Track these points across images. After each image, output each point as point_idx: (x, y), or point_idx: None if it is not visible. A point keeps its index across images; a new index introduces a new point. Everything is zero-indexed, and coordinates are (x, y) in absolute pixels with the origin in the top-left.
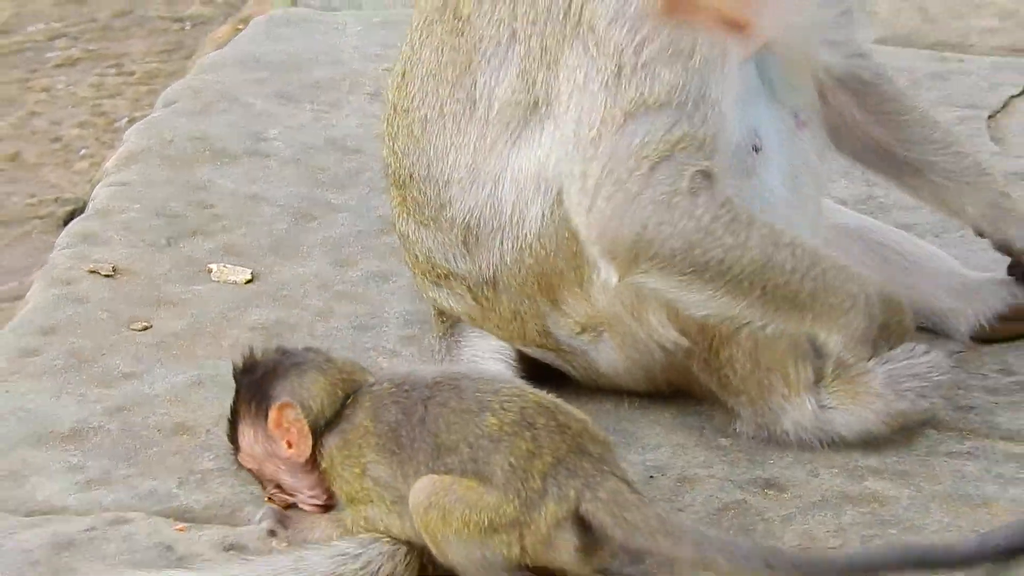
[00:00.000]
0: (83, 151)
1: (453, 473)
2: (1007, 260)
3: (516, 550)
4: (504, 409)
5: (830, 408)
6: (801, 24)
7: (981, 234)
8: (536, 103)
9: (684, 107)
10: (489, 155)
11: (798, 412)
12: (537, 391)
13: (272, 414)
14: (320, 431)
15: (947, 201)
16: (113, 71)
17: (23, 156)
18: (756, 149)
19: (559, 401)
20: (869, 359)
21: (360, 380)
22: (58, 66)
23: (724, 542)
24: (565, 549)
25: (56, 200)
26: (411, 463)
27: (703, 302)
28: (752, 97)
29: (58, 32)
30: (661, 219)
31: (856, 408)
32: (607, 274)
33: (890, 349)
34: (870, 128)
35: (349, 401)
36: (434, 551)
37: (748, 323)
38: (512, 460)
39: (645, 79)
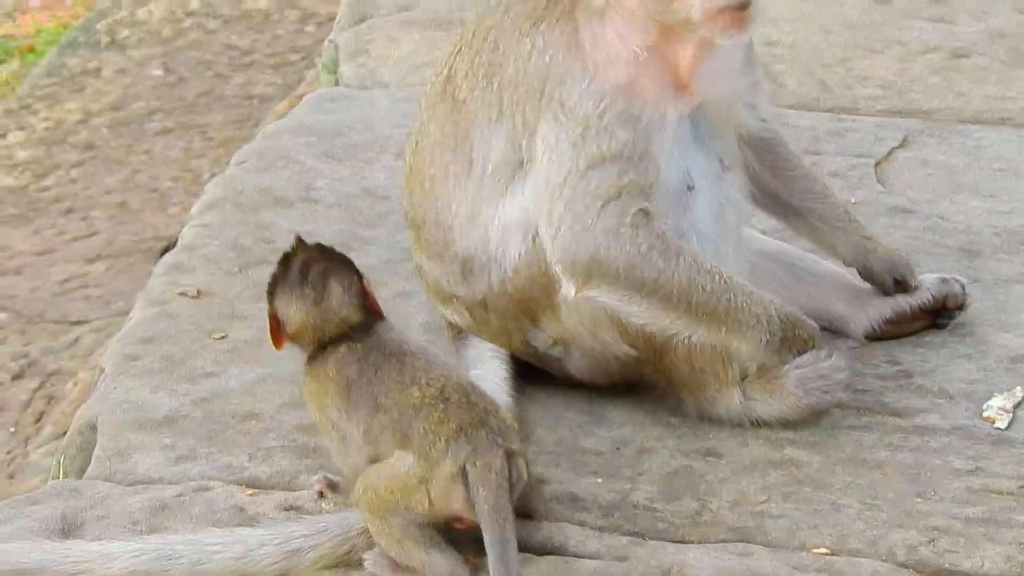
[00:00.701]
0: (175, 200)
1: (384, 429)
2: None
3: (426, 503)
4: (428, 385)
5: (753, 400)
6: (725, 90)
7: (849, 266)
8: (521, 163)
9: (632, 159)
10: (482, 206)
11: (728, 402)
12: (461, 375)
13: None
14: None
15: (822, 240)
16: (198, 138)
17: (129, 204)
18: (690, 188)
19: (476, 384)
20: (776, 364)
21: (348, 326)
22: (156, 134)
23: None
24: (456, 499)
25: (154, 238)
26: (355, 412)
27: (642, 313)
28: (687, 146)
29: (156, 108)
30: (609, 245)
31: (774, 401)
32: (567, 289)
33: (796, 356)
34: (766, 179)
35: (331, 344)
36: (371, 529)
37: (678, 332)
38: (425, 426)
39: (604, 137)
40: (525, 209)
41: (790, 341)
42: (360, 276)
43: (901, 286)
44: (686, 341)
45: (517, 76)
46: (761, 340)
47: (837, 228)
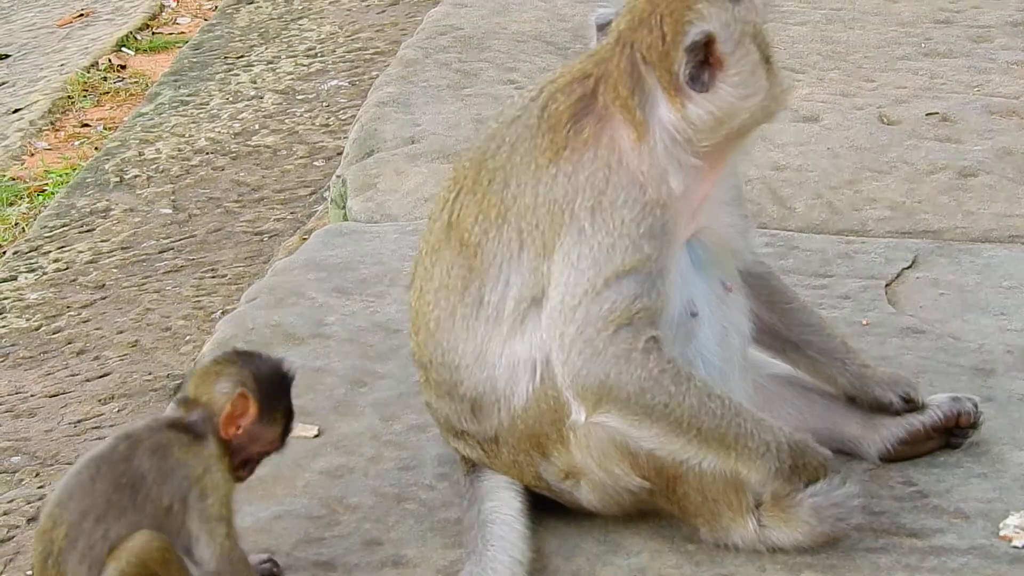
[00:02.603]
0: (187, 338)
1: None
2: None
3: None
4: None
5: (768, 528)
6: (725, 218)
7: (852, 398)
8: (537, 296)
9: (649, 279)
10: (490, 344)
11: (743, 531)
12: None
13: None
14: None
15: (821, 372)
16: (209, 275)
17: (141, 343)
18: (694, 315)
19: None
20: (789, 492)
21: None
22: (167, 272)
23: None
24: None
25: (167, 376)
26: None
27: (651, 438)
28: (689, 272)
29: (166, 247)
30: (620, 370)
31: (789, 529)
32: (577, 415)
33: (807, 483)
34: (761, 313)
35: None
36: None
37: (688, 459)
38: None
39: (631, 250)
40: (535, 344)
41: (800, 469)
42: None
43: (909, 404)
44: (697, 469)
45: (536, 200)
46: (771, 468)
47: (835, 359)
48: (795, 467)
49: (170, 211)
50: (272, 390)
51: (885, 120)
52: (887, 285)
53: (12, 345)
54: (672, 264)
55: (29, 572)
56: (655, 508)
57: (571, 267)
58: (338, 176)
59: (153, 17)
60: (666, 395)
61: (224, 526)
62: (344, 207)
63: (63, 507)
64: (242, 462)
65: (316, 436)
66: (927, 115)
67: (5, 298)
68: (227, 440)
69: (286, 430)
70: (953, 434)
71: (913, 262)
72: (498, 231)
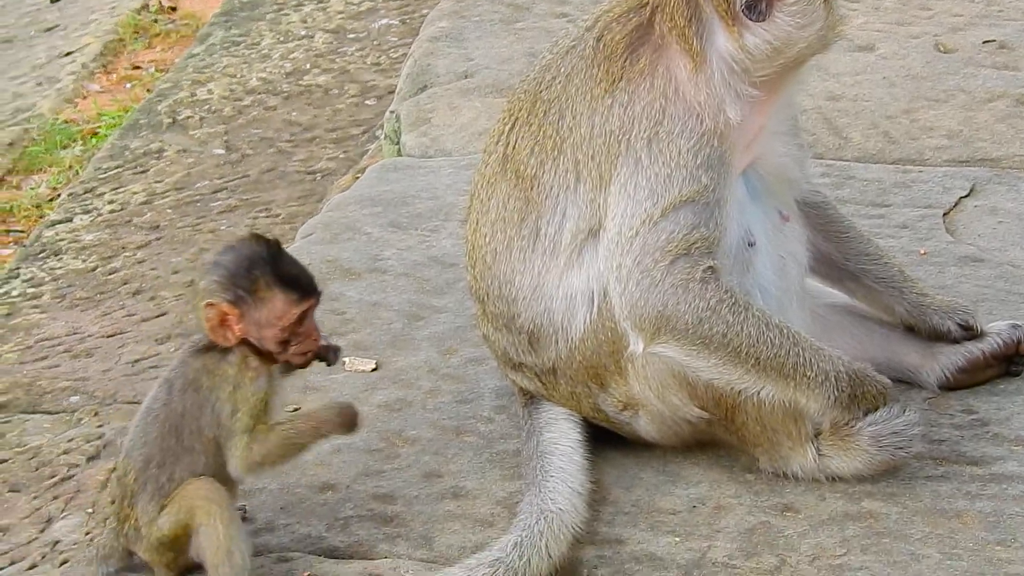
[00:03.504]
0: None
1: None
2: None
3: None
4: None
5: (828, 457)
6: (780, 148)
7: (910, 327)
8: (594, 228)
9: (706, 209)
10: (546, 277)
11: (802, 459)
12: None
13: None
14: None
15: (878, 302)
16: (263, 214)
17: (197, 282)
18: (751, 244)
19: None
20: (848, 421)
21: None
22: (221, 212)
23: None
24: None
25: None
26: None
27: (710, 368)
28: (746, 202)
29: (220, 186)
30: (678, 300)
31: (848, 458)
32: (635, 345)
33: (866, 412)
34: (818, 243)
35: None
36: None
37: (746, 389)
38: None
39: (689, 181)
40: (592, 275)
41: (859, 398)
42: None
43: (968, 331)
44: (756, 399)
45: (592, 131)
46: (829, 397)
47: (892, 288)
48: (854, 395)
49: (223, 151)
50: (238, 278)
51: (941, 48)
52: (945, 214)
53: (69, 286)
54: (729, 194)
55: (90, 510)
56: (714, 439)
57: (628, 198)
58: (392, 112)
59: None
60: (724, 324)
61: (246, 437)
62: (398, 142)
63: (130, 456)
64: (282, 347)
65: (374, 370)
66: (984, 43)
67: (61, 240)
68: (242, 342)
69: (293, 297)
70: (1013, 361)
71: (971, 190)
72: (554, 163)
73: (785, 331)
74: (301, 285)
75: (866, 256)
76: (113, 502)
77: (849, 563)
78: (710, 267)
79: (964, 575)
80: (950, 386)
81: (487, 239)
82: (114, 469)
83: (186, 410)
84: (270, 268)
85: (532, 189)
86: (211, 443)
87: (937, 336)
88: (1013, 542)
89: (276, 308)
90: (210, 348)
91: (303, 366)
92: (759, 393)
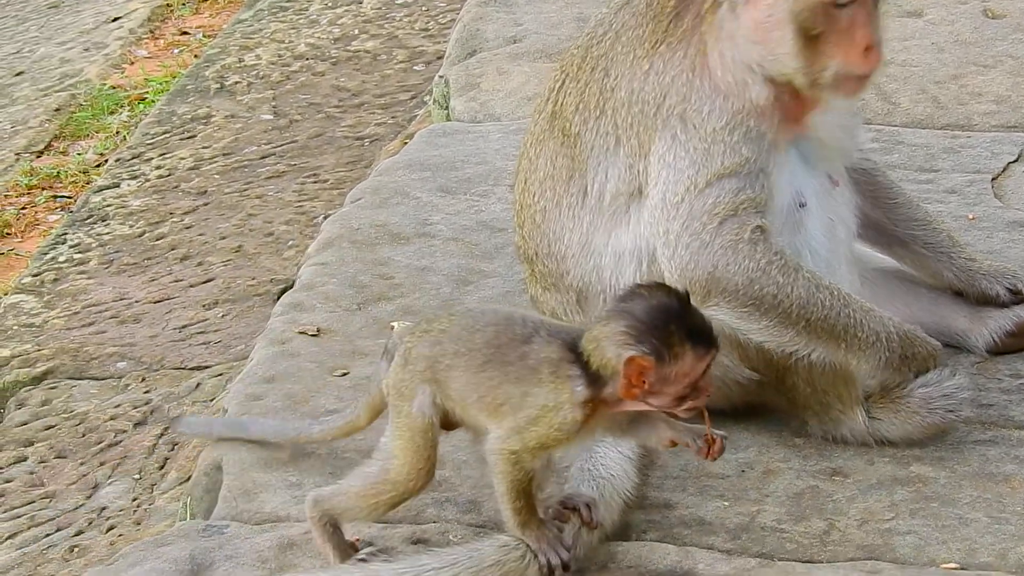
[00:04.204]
0: (290, 242)
1: None
2: None
3: None
4: None
5: (878, 420)
6: (833, 122)
7: (959, 292)
8: (637, 189)
9: (750, 176)
10: (595, 235)
11: (852, 423)
12: None
13: None
14: None
15: (927, 267)
16: (311, 180)
17: (244, 248)
18: (802, 205)
19: None
20: (899, 383)
21: None
22: (268, 178)
23: None
24: None
25: (271, 281)
26: None
27: (761, 330)
28: (798, 166)
29: (268, 152)
30: (728, 261)
31: (898, 421)
32: None
33: (916, 375)
34: (867, 209)
35: None
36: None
37: (797, 351)
38: None
39: (729, 154)
40: (640, 235)
41: (910, 359)
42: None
43: (1016, 295)
44: (806, 360)
45: (631, 97)
46: (880, 358)
47: (941, 253)
48: (904, 357)
49: (271, 117)
50: (656, 331)
51: (990, 14)
52: (993, 179)
53: (116, 251)
54: (773, 162)
55: (137, 476)
56: (763, 401)
57: (668, 167)
58: (441, 76)
59: None
60: (774, 286)
61: (510, 446)
62: (447, 107)
63: (443, 333)
64: (678, 403)
65: None
66: None
67: (108, 205)
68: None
69: (701, 352)
70: None
71: (1019, 156)
72: (596, 122)
73: (835, 292)
74: (708, 338)
75: (915, 222)
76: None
77: (897, 527)
78: (759, 227)
79: (1012, 539)
80: (998, 350)
81: (535, 197)
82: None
83: (511, 365)
84: (684, 321)
85: (575, 147)
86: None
87: (985, 300)
88: None
89: (686, 364)
90: (574, 360)
91: (687, 413)
92: (810, 355)
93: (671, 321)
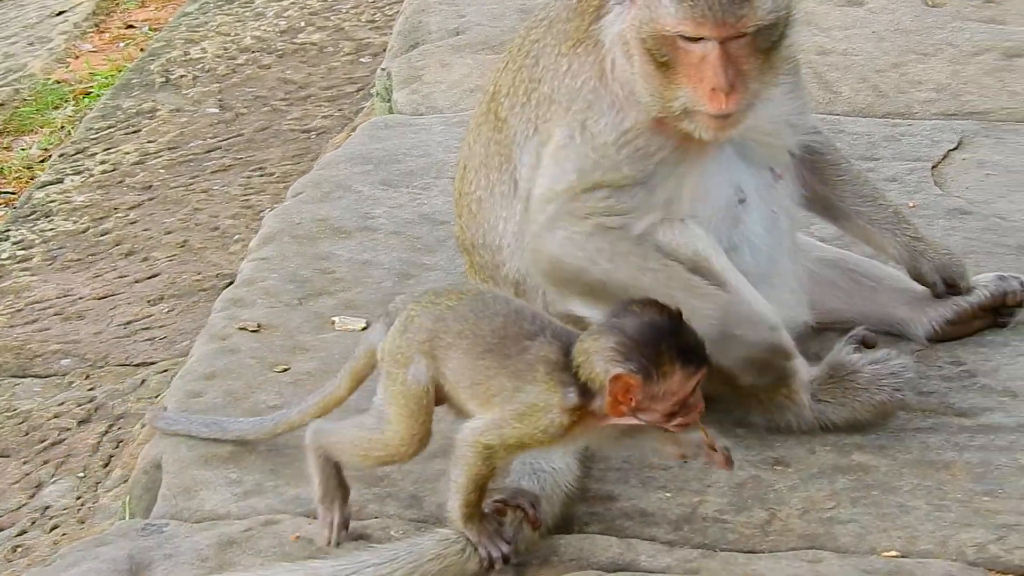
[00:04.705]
0: (236, 237)
1: None
2: None
3: None
4: None
5: (824, 403)
6: (767, 115)
7: (900, 264)
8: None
9: (623, 190)
10: (527, 226)
11: (798, 407)
12: None
13: None
14: None
15: (873, 241)
16: (257, 174)
17: (190, 243)
18: (741, 201)
19: None
20: (848, 368)
21: None
22: (214, 172)
23: None
24: None
25: (217, 276)
26: None
27: None
28: (735, 163)
29: (214, 146)
30: (566, 252)
31: (846, 401)
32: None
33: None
34: (815, 186)
35: None
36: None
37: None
38: None
39: (611, 170)
40: None
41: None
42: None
43: (952, 288)
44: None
45: (551, 94)
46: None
47: (886, 229)
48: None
49: (217, 110)
50: (644, 348)
51: (930, 2)
52: (933, 167)
53: (60, 248)
54: (665, 173)
55: (81, 474)
56: (705, 390)
57: (557, 164)
58: (383, 69)
59: None
60: (602, 272)
61: (484, 442)
62: (389, 100)
63: (450, 310)
64: (667, 419)
65: (363, 329)
66: None
67: (52, 201)
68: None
69: (691, 370)
70: (1000, 313)
71: (959, 143)
72: (522, 108)
73: (669, 275)
74: (698, 357)
75: (861, 198)
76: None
77: (839, 516)
78: (607, 225)
79: (952, 526)
80: (938, 338)
81: (472, 185)
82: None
83: (509, 359)
84: (675, 340)
85: (503, 132)
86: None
87: (921, 282)
88: (1001, 492)
89: (674, 383)
90: (564, 368)
91: (679, 428)
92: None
93: (661, 339)
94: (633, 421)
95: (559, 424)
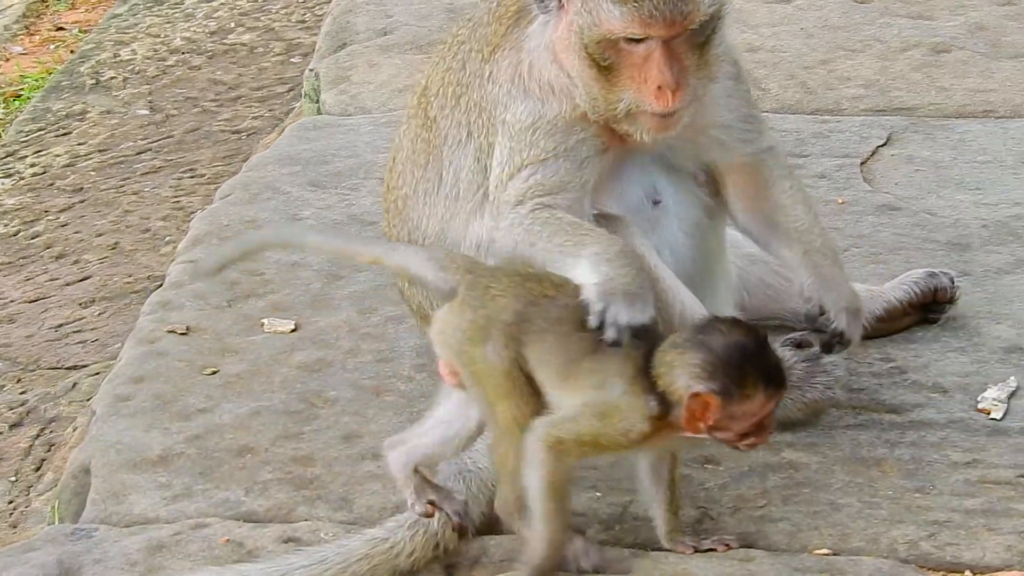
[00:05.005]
0: (167, 239)
1: None
2: (882, 272)
3: None
4: None
5: None
6: (697, 121)
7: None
8: (486, 185)
9: (545, 163)
10: (453, 223)
11: None
12: None
13: None
14: None
15: (788, 262)
16: (188, 175)
17: (121, 246)
18: (656, 203)
19: None
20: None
21: None
22: (145, 174)
23: None
24: None
25: (148, 278)
26: None
27: None
28: (649, 165)
29: (144, 148)
30: (514, 238)
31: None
32: None
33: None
34: (741, 202)
35: None
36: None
37: None
38: None
39: (527, 149)
40: (489, 228)
41: None
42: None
43: (838, 339)
44: None
45: (480, 102)
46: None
47: (802, 254)
48: None
49: (147, 112)
50: (730, 369)
51: None
52: (862, 163)
53: None
54: (588, 157)
55: (12, 479)
56: None
57: (497, 165)
58: (311, 70)
59: None
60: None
61: (555, 435)
62: (318, 101)
63: (547, 299)
64: (740, 438)
65: (293, 331)
66: None
67: None
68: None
69: (771, 392)
70: (930, 309)
71: (887, 139)
72: (452, 111)
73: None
74: (779, 380)
75: (787, 218)
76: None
77: (770, 514)
78: (542, 203)
79: (883, 523)
80: (868, 335)
81: (399, 180)
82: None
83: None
84: (759, 364)
85: (432, 131)
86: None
87: (821, 312)
88: (931, 489)
89: (755, 405)
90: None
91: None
92: None
93: (746, 362)
94: (703, 437)
95: (639, 431)
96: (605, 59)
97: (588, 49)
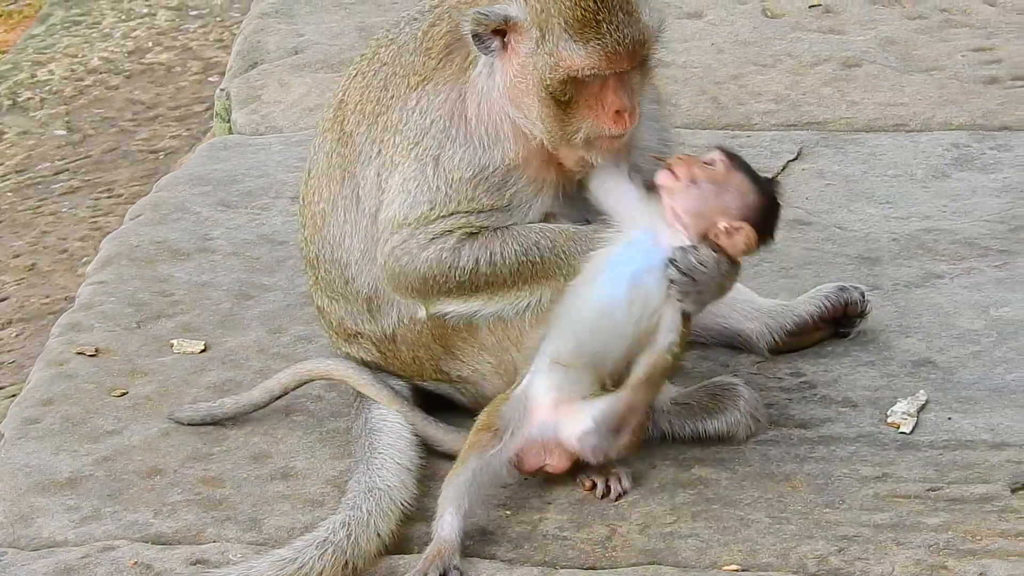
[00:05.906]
0: (85, 259)
1: None
2: (793, 287)
3: None
4: None
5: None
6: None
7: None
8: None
9: (481, 214)
10: (375, 240)
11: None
12: None
13: None
14: None
15: None
16: (106, 195)
17: (38, 266)
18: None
19: None
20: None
21: None
22: (62, 194)
23: None
24: None
25: (65, 299)
26: None
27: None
28: (580, 199)
29: (61, 168)
30: (430, 263)
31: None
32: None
33: None
34: None
35: None
36: None
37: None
38: None
39: (466, 202)
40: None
41: None
42: None
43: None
44: None
45: (398, 124)
46: None
47: None
48: None
49: (64, 132)
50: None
51: (768, 13)
52: (773, 178)
53: None
54: (527, 201)
55: None
56: None
57: (408, 194)
58: (222, 89)
59: None
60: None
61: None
62: (229, 120)
63: None
64: None
65: (203, 351)
66: (810, 7)
67: None
68: None
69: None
70: (841, 324)
71: (798, 154)
72: (368, 128)
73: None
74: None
75: None
76: None
77: (679, 530)
78: (467, 233)
79: (793, 538)
80: (779, 349)
81: (315, 195)
82: None
83: None
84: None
85: (347, 146)
86: None
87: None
88: (841, 504)
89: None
90: None
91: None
92: None
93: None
94: None
95: None
96: (565, 95)
97: (549, 89)
